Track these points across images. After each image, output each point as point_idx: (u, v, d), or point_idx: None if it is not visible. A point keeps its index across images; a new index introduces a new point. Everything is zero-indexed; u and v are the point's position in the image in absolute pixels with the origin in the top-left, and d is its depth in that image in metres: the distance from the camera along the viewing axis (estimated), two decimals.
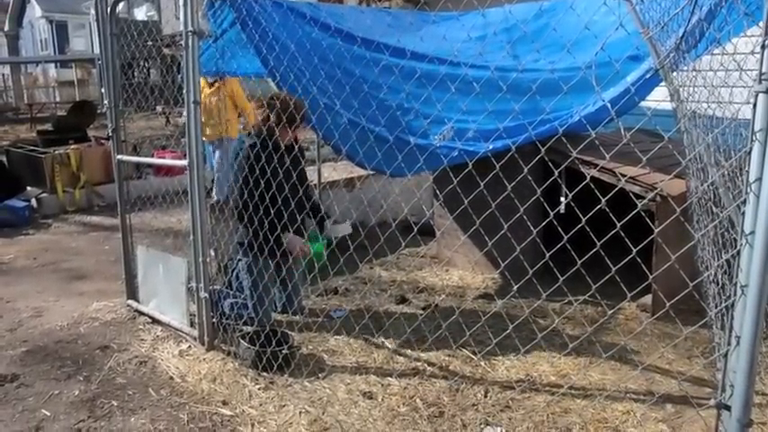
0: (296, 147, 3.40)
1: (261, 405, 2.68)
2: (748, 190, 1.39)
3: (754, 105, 1.36)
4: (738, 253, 1.44)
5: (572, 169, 3.44)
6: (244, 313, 3.46)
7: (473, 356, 3.06)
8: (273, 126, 3.20)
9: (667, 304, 1.94)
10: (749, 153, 1.39)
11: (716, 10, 2.44)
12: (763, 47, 1.33)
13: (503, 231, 2.31)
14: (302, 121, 3.29)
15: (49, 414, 2.64)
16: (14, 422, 2.59)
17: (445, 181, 4.11)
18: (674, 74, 2.59)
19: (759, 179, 1.36)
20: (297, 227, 3.39)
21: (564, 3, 3.87)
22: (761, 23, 1.36)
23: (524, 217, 2.35)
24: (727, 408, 1.47)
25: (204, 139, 5.35)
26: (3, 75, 27.87)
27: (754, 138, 1.37)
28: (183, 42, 2.96)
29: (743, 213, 1.43)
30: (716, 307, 2.07)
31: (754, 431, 2.23)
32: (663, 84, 2.74)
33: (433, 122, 3.34)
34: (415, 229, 2.86)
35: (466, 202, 2.34)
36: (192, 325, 3.29)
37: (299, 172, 3.42)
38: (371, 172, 3.67)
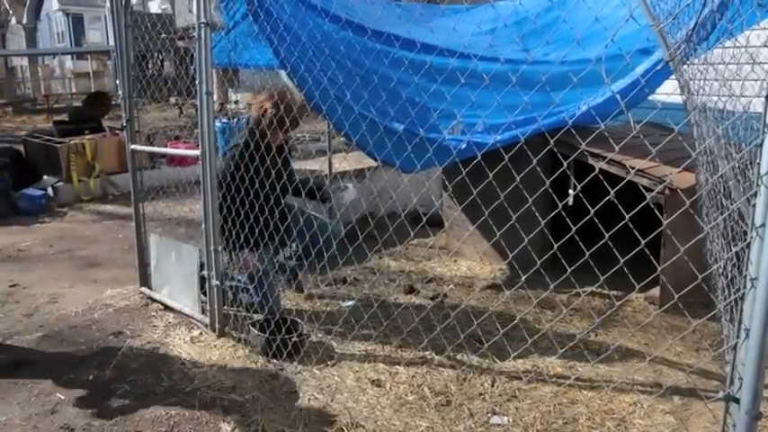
0: (285, 148, 3.44)
1: (270, 391, 2.72)
2: (759, 182, 1.39)
3: (766, 98, 1.36)
4: (748, 245, 1.44)
5: (581, 161, 3.44)
6: (255, 302, 3.51)
7: (480, 346, 3.08)
8: (265, 129, 3.26)
9: (675, 296, 1.94)
10: (760, 145, 1.39)
11: (728, 1, 2.41)
12: None
13: (511, 222, 2.32)
14: (293, 124, 3.31)
15: (63, 398, 2.71)
16: (30, 405, 2.66)
17: (454, 172, 4.11)
18: (685, 66, 2.57)
19: None
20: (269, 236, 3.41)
21: None
22: None
23: (533, 208, 2.36)
24: (736, 400, 1.46)
25: None
26: (21, 66, 28.20)
27: (766, 130, 1.37)
28: (195, 34, 3.00)
29: (753, 206, 1.42)
30: (725, 299, 2.07)
31: (763, 424, 2.24)
32: (673, 76, 2.72)
33: (443, 116, 3.34)
34: (424, 220, 2.88)
35: (475, 193, 2.35)
36: (203, 312, 3.34)
37: (288, 174, 3.44)
38: (381, 163, 3.70)
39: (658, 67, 2.67)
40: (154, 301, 3.75)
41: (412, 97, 3.38)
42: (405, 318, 3.38)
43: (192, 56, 3.14)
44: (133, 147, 3.72)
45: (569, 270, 2.14)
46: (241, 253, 3.35)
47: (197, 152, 3.13)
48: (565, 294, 3.65)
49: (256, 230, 3.20)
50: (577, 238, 2.05)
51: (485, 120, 3.37)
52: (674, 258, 2.13)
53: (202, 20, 2.94)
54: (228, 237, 3.32)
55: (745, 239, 1.48)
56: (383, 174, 5.42)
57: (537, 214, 2.36)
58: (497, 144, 3.19)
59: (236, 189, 3.23)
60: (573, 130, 2.29)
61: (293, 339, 2.97)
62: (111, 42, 3.70)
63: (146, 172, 5.21)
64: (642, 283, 2.19)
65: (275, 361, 2.96)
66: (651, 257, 2.30)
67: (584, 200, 2.16)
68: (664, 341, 3.15)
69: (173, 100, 14.21)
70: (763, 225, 1.38)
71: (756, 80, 2.33)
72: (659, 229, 2.12)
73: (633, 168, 2.85)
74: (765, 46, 2.31)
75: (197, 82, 3.04)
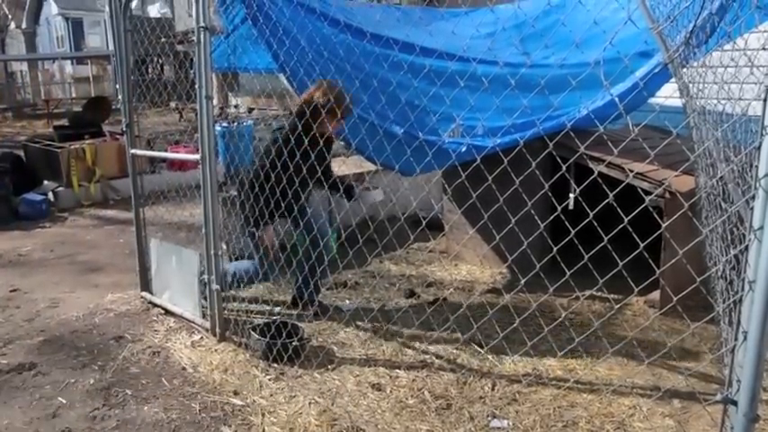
0: (320, 141, 3.32)
1: (271, 395, 2.72)
2: (757, 185, 1.39)
3: (765, 100, 1.36)
4: (747, 248, 1.45)
5: (580, 165, 3.45)
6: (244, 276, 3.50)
7: (480, 350, 3.08)
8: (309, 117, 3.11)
9: (674, 299, 1.95)
10: (758, 148, 1.39)
11: (727, 4, 2.42)
12: None
13: (510, 226, 2.33)
14: (343, 116, 3.19)
15: (65, 402, 2.71)
16: (32, 409, 2.66)
17: (454, 176, 4.12)
18: (684, 69, 2.58)
19: None
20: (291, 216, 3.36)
21: None
22: None
23: (532, 212, 2.36)
24: (734, 403, 1.47)
25: None
26: (20, 71, 28.20)
27: (763, 133, 1.37)
28: (195, 39, 3.00)
29: (751, 209, 1.43)
30: (723, 302, 2.07)
31: (761, 427, 2.24)
32: (672, 79, 2.73)
33: (442, 119, 3.35)
34: (424, 224, 2.87)
35: (474, 196, 2.36)
36: (204, 316, 3.34)
37: (324, 164, 3.33)
38: (381, 167, 3.69)
39: (657, 70, 2.68)
40: (154, 305, 3.75)
41: (411, 100, 3.39)
42: (405, 321, 3.39)
43: (192, 60, 3.14)
44: (133, 151, 3.73)
45: (568, 273, 2.14)
46: (266, 228, 3.28)
47: (197, 156, 3.14)
48: (565, 298, 3.65)
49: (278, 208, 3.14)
50: (576, 242, 2.05)
51: (483, 123, 3.38)
52: (674, 261, 2.14)
53: (201, 24, 2.95)
54: (251, 211, 3.24)
55: (744, 242, 1.48)
56: (383, 178, 5.42)
57: (536, 218, 2.36)
58: (497, 148, 3.20)
59: (279, 167, 3.10)
60: (572, 134, 2.29)
61: (294, 344, 2.97)
62: (111, 47, 3.70)
63: (146, 176, 5.20)
64: (641, 287, 2.19)
65: (276, 365, 2.97)
66: (650, 261, 2.30)
67: (584, 203, 2.16)
68: (663, 344, 3.14)
69: (172, 104, 14.24)
70: (761, 228, 1.38)
71: (755, 83, 2.33)
72: (658, 232, 2.12)
73: (632, 171, 2.85)
74: (764, 49, 2.32)
75: (197, 86, 3.05)
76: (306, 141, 3.07)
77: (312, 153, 3.02)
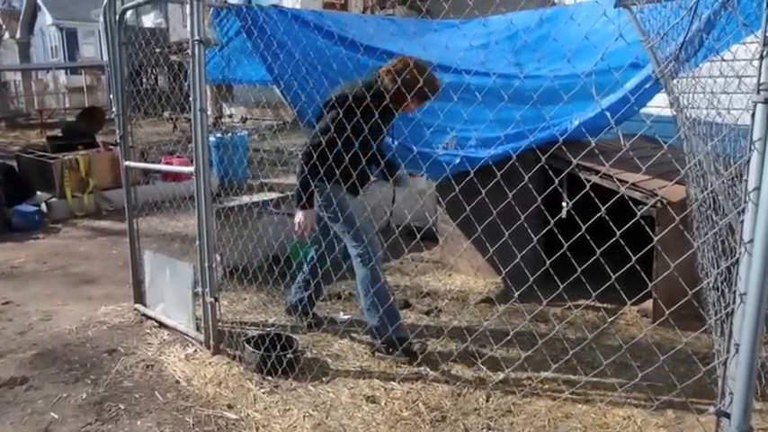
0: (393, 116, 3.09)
1: (265, 409, 2.71)
2: (747, 199, 1.41)
3: (753, 115, 1.38)
4: (737, 261, 1.46)
5: (573, 176, 3.47)
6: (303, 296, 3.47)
7: (475, 361, 3.08)
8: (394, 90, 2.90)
9: (666, 312, 1.96)
10: (748, 162, 1.41)
11: (715, 20, 2.46)
12: (761, 57, 1.35)
13: (504, 239, 2.34)
14: (421, 100, 3.00)
15: (57, 417, 2.69)
16: (24, 424, 2.64)
17: (448, 188, 4.14)
18: (674, 81, 2.62)
19: (757, 188, 1.37)
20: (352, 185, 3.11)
21: (565, 12, 3.90)
22: (758, 33, 1.37)
23: (525, 224, 2.38)
24: (727, 415, 1.48)
25: None
26: (14, 81, 28.14)
27: (752, 147, 1.39)
28: (189, 51, 3.02)
29: (741, 222, 1.44)
30: (716, 314, 2.09)
31: None
32: (663, 90, 2.76)
33: (436, 132, 3.37)
34: (419, 236, 2.88)
35: (468, 209, 2.37)
36: (198, 329, 3.33)
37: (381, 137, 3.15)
38: (374, 178, 3.67)
39: (647, 85, 2.72)
40: (148, 318, 3.73)
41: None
42: None
43: (186, 71, 3.15)
44: (127, 163, 3.72)
45: (562, 286, 2.16)
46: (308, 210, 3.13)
47: (191, 169, 3.14)
48: (558, 308, 3.66)
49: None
50: (569, 255, 2.07)
51: (476, 135, 3.40)
52: (666, 273, 2.15)
53: (196, 37, 2.96)
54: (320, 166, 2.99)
55: (735, 255, 1.50)
56: (377, 189, 5.43)
57: (529, 230, 2.38)
58: (489, 160, 3.22)
59: (349, 130, 2.85)
60: (564, 147, 2.31)
61: (288, 356, 2.96)
62: (105, 57, 3.71)
63: (140, 187, 5.22)
64: (635, 298, 2.20)
65: (270, 378, 2.95)
66: (642, 273, 2.31)
67: (577, 214, 2.18)
68: (656, 355, 3.15)
69: (166, 114, 14.22)
70: (751, 241, 1.40)
71: (743, 93, 2.36)
72: (651, 245, 2.14)
73: (625, 182, 2.87)
74: (751, 63, 2.35)
75: (191, 99, 3.06)
76: (377, 112, 2.78)
77: (384, 124, 2.81)
